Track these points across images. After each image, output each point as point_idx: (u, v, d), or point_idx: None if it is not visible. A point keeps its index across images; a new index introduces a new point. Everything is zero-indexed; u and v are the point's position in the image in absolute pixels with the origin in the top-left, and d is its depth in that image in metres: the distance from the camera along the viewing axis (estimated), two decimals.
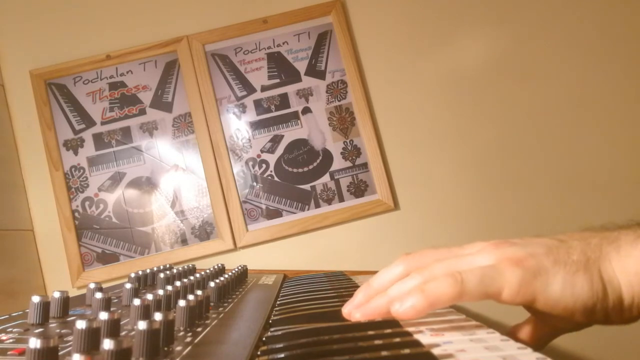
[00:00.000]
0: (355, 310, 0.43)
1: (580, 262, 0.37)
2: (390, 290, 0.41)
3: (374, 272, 1.27)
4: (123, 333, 0.41)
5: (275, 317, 0.53)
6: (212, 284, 0.60)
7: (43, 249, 1.33)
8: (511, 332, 0.45)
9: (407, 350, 0.32)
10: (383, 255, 1.31)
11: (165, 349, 0.35)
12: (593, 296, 0.37)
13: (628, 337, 1.24)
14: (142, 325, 0.32)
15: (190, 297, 0.45)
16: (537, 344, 0.43)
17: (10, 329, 0.44)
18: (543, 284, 0.37)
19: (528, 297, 0.37)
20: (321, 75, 1.39)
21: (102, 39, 1.40)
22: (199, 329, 0.43)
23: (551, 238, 0.40)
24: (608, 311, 0.37)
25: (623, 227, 0.41)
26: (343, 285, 0.79)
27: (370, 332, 0.38)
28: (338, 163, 1.36)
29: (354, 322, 0.42)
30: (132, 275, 0.73)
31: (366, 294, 0.43)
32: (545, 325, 0.43)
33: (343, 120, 1.37)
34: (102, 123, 1.37)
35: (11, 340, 0.40)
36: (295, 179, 1.35)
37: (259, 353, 0.36)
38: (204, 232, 1.33)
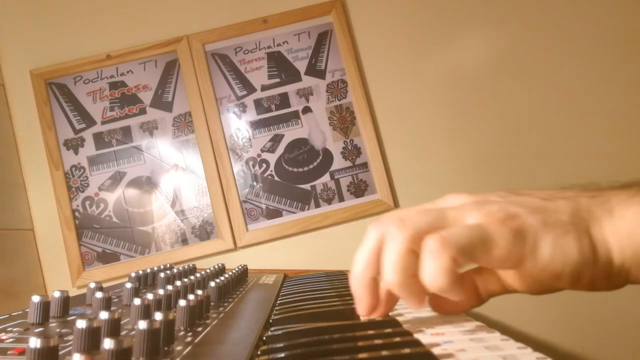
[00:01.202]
0: (373, 313, 0.40)
1: (570, 224, 0.34)
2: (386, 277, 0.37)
3: None
4: (123, 333, 0.41)
5: (275, 317, 0.53)
6: (212, 283, 0.60)
7: (43, 248, 1.33)
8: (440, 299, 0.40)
9: (407, 350, 0.32)
10: None
11: (166, 348, 0.35)
12: (583, 261, 0.34)
13: (628, 337, 1.24)
14: (142, 324, 0.32)
15: (191, 296, 0.45)
16: (477, 303, 0.40)
17: (10, 329, 0.44)
18: (531, 246, 0.34)
19: (515, 261, 0.34)
20: (321, 74, 1.39)
21: (102, 38, 1.40)
22: (200, 329, 0.43)
23: (532, 195, 0.37)
24: (595, 277, 0.34)
25: (609, 188, 0.38)
26: (343, 284, 0.79)
27: (371, 332, 0.38)
28: (338, 163, 1.36)
29: (354, 321, 0.42)
30: (133, 274, 0.73)
31: (360, 283, 0.40)
32: (496, 284, 0.39)
33: (343, 120, 1.37)
34: (103, 122, 1.38)
35: (11, 340, 0.40)
36: (296, 179, 1.35)
37: (259, 353, 0.36)
38: (204, 231, 1.33)
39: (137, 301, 0.43)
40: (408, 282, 0.36)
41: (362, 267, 0.39)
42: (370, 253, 0.39)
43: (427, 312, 0.49)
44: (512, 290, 0.39)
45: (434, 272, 0.33)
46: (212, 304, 0.57)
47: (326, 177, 1.35)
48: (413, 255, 0.36)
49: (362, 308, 0.40)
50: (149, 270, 0.77)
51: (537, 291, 0.38)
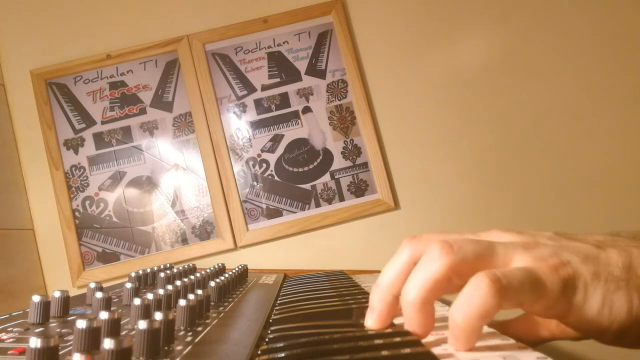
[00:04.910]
0: (376, 321, 0.38)
1: (622, 279, 0.32)
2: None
3: (375, 272, 1.27)
4: (123, 332, 0.41)
5: (275, 317, 0.53)
6: (212, 283, 0.60)
7: (43, 248, 1.33)
8: (496, 329, 0.40)
9: (407, 350, 0.32)
10: (383, 255, 1.30)
11: (166, 348, 0.35)
12: (631, 319, 0.32)
13: None
14: (142, 324, 0.32)
15: (191, 296, 0.45)
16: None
17: (10, 329, 0.44)
18: (581, 299, 0.32)
19: (561, 311, 0.33)
20: (321, 74, 1.39)
21: (102, 38, 1.40)
22: (200, 329, 0.43)
23: (583, 241, 0.35)
24: None
25: None
26: (343, 284, 0.79)
27: (371, 332, 0.38)
28: (338, 162, 1.36)
29: (354, 321, 0.42)
30: (133, 274, 0.73)
31: (380, 297, 0.38)
32: (544, 330, 0.39)
33: (343, 120, 1.37)
34: (103, 122, 1.38)
35: (11, 340, 0.40)
36: (296, 179, 1.35)
37: (259, 352, 0.36)
38: (205, 231, 1.33)
39: (137, 301, 0.43)
40: (427, 308, 0.34)
41: (388, 282, 0.37)
42: (401, 269, 0.37)
43: None
44: (556, 338, 0.38)
45: (472, 309, 0.30)
46: (212, 303, 0.57)
47: (326, 177, 1.35)
48: (446, 283, 0.33)
49: (374, 321, 0.38)
50: (149, 270, 0.77)
51: (579, 338, 0.37)
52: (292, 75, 1.39)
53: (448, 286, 0.34)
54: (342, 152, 1.36)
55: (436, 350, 0.32)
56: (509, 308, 0.31)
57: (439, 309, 0.49)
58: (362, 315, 0.43)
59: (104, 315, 0.34)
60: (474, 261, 0.33)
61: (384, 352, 0.32)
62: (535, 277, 0.32)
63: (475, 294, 0.30)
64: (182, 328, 0.42)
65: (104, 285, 0.62)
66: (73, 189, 1.35)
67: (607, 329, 0.33)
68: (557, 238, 0.36)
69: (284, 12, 1.40)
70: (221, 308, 0.54)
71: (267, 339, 0.40)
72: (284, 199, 1.34)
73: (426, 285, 0.33)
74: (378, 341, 0.34)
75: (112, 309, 0.44)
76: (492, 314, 0.30)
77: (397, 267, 0.37)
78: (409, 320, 0.34)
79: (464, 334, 0.31)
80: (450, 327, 0.32)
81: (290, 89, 1.39)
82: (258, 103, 1.38)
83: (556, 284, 0.32)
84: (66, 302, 0.50)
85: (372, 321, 0.38)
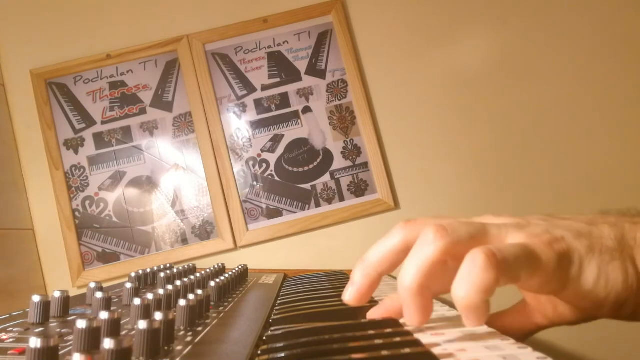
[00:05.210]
0: (354, 298, 0.37)
1: (616, 251, 0.33)
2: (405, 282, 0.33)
3: None
4: (123, 332, 0.41)
5: (275, 317, 0.53)
6: (212, 283, 0.60)
7: (43, 248, 1.33)
8: (493, 321, 0.40)
9: (407, 350, 0.32)
10: None
11: (166, 348, 0.35)
12: (627, 289, 0.33)
13: (628, 337, 1.24)
14: (142, 324, 0.32)
15: (191, 296, 0.45)
16: (522, 335, 0.40)
17: (10, 329, 0.44)
18: (577, 272, 0.33)
19: (557, 286, 0.33)
20: (321, 74, 1.39)
21: (102, 38, 1.40)
22: (200, 329, 0.43)
23: (575, 219, 0.36)
24: (638, 306, 0.33)
25: None
26: (343, 284, 0.79)
27: (371, 332, 0.38)
28: (338, 162, 1.36)
29: (354, 321, 0.42)
30: (133, 274, 0.73)
31: (364, 273, 0.37)
32: (540, 317, 0.39)
33: (343, 120, 1.37)
34: (103, 122, 1.38)
35: (11, 340, 0.40)
36: (296, 179, 1.35)
37: (259, 352, 0.36)
38: (205, 231, 1.33)
39: (137, 301, 0.43)
40: (424, 293, 0.34)
41: (376, 259, 0.37)
42: (391, 249, 0.37)
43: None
44: (554, 324, 0.39)
45: (472, 286, 0.30)
46: (212, 303, 0.57)
47: (326, 177, 1.35)
48: (442, 266, 0.33)
49: (353, 296, 0.38)
50: (149, 270, 0.77)
51: (577, 320, 0.37)
52: (292, 75, 1.39)
53: (444, 269, 0.34)
54: (342, 152, 1.36)
55: (436, 350, 0.32)
56: (506, 283, 0.31)
57: (439, 309, 0.49)
58: (362, 315, 0.43)
59: (104, 315, 0.34)
60: (468, 242, 0.33)
61: (384, 352, 0.32)
62: (530, 251, 0.32)
63: (472, 270, 0.30)
64: (182, 328, 0.42)
65: (104, 285, 0.62)
66: (73, 189, 1.35)
67: (604, 301, 0.33)
68: (549, 218, 0.37)
69: (284, 12, 1.40)
70: (221, 308, 0.54)
71: (267, 339, 0.40)
72: (284, 199, 1.34)
73: (422, 269, 0.33)
74: (378, 341, 0.34)
75: (112, 309, 0.44)
76: (491, 288, 0.30)
77: (387, 247, 0.37)
78: (408, 306, 0.34)
79: (470, 311, 0.31)
80: (456, 306, 0.32)
81: (290, 89, 1.39)
82: (258, 103, 1.38)
83: (551, 257, 0.32)
84: (66, 302, 0.50)
85: (351, 296, 0.38)
